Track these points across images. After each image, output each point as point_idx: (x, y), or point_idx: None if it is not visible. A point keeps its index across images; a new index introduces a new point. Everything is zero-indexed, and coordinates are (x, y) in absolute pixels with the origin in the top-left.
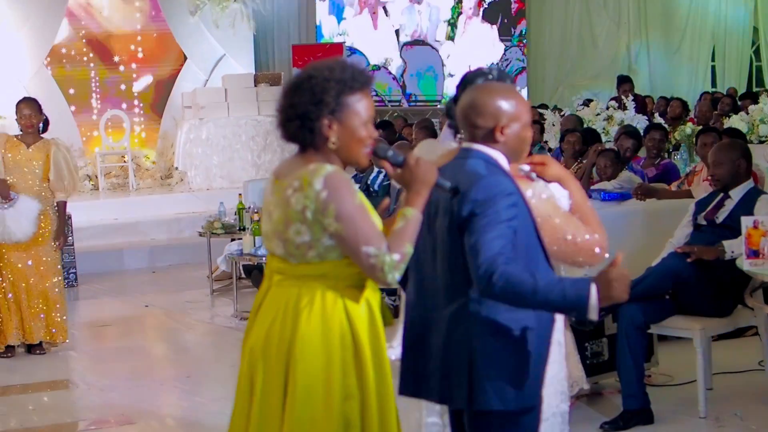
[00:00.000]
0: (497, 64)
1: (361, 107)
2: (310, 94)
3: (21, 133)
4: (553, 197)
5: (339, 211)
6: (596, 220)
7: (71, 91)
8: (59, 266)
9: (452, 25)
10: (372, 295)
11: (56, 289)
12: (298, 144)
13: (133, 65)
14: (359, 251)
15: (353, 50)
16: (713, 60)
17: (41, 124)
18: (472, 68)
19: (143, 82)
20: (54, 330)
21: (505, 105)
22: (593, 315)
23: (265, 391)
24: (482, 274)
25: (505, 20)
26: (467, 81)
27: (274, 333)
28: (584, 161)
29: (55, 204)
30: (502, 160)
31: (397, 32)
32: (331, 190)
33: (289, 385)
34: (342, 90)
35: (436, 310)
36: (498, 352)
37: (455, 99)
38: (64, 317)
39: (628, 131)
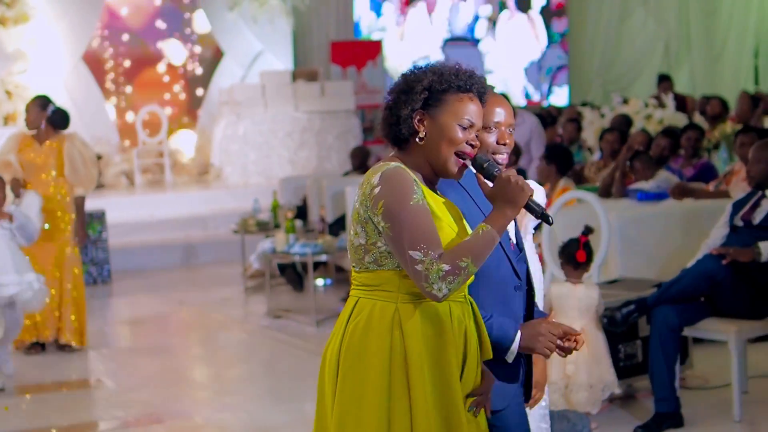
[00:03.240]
0: (537, 62)
1: (459, 108)
2: (404, 83)
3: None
4: None
5: (387, 208)
6: None
7: (108, 86)
8: (78, 266)
9: (493, 21)
10: (447, 316)
11: (75, 291)
12: (388, 137)
13: (170, 60)
14: (405, 255)
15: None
16: (756, 58)
17: (44, 121)
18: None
19: (180, 76)
20: (68, 332)
21: None
22: (510, 358)
23: (320, 412)
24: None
25: (546, 18)
26: None
27: (330, 350)
28: None
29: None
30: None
31: (437, 29)
32: (385, 186)
33: (334, 406)
34: (438, 83)
35: None
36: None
37: None
38: (83, 321)
39: (664, 131)
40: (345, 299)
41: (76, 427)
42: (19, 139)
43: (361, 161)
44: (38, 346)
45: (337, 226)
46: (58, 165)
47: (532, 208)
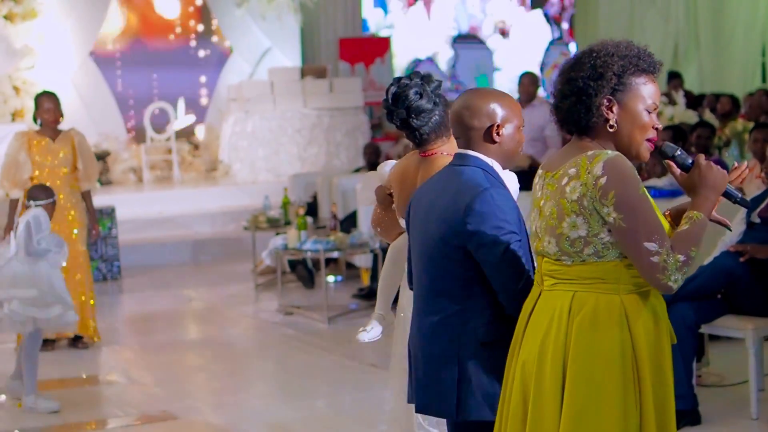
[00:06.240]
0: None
1: (646, 91)
2: (591, 68)
3: (40, 127)
4: None
5: (620, 198)
6: None
7: (115, 82)
8: (88, 261)
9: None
10: (659, 303)
11: (85, 284)
12: (571, 126)
13: (177, 55)
14: (640, 247)
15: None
16: (764, 56)
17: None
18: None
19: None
20: (89, 328)
21: (499, 106)
22: None
23: (538, 410)
24: (518, 296)
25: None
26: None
27: (548, 346)
28: None
29: (81, 195)
30: (497, 167)
31: (445, 26)
32: (612, 175)
33: (564, 405)
34: (626, 68)
35: (419, 317)
36: (486, 361)
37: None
38: (94, 316)
39: (668, 126)
40: (356, 296)
41: (89, 424)
42: (28, 137)
43: (374, 158)
44: (50, 343)
45: (348, 222)
46: (73, 161)
47: (730, 193)
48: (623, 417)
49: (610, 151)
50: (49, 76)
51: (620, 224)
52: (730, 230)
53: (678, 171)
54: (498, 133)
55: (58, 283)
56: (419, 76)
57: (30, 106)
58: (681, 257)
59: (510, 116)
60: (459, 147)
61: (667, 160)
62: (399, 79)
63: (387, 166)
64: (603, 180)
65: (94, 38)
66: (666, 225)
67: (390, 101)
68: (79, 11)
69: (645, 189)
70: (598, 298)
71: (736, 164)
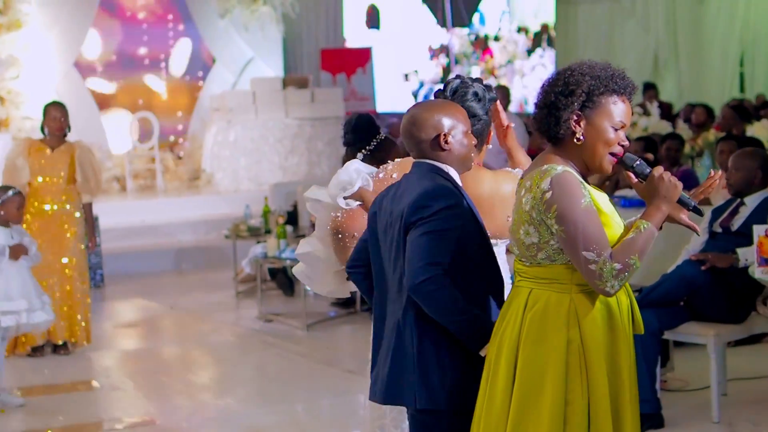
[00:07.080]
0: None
1: (615, 110)
2: (564, 85)
3: (45, 136)
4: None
5: (561, 212)
6: None
7: (100, 92)
8: (85, 269)
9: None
10: (614, 300)
11: (80, 292)
12: (544, 135)
13: (162, 65)
14: (579, 255)
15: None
16: (742, 66)
17: (67, 129)
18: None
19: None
20: (78, 331)
21: (443, 116)
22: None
23: (492, 395)
24: (418, 273)
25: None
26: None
27: (505, 338)
28: None
29: (82, 206)
30: (452, 171)
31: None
32: (556, 190)
33: (513, 391)
34: (596, 87)
35: (391, 316)
36: (444, 352)
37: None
38: (88, 319)
39: (639, 137)
40: (334, 304)
41: (73, 428)
42: (28, 144)
43: None
44: (39, 349)
45: None
46: (69, 172)
47: (684, 202)
48: (563, 402)
49: (559, 167)
50: (34, 86)
51: (561, 235)
52: (699, 234)
53: (635, 180)
54: (446, 141)
55: (14, 285)
56: (481, 82)
57: (15, 115)
58: (617, 266)
59: (456, 123)
60: (413, 159)
61: (627, 171)
62: (461, 76)
63: (354, 166)
64: (548, 195)
65: (79, 49)
66: (615, 235)
67: (449, 94)
68: (63, 22)
69: (596, 201)
70: (550, 296)
71: (712, 173)
